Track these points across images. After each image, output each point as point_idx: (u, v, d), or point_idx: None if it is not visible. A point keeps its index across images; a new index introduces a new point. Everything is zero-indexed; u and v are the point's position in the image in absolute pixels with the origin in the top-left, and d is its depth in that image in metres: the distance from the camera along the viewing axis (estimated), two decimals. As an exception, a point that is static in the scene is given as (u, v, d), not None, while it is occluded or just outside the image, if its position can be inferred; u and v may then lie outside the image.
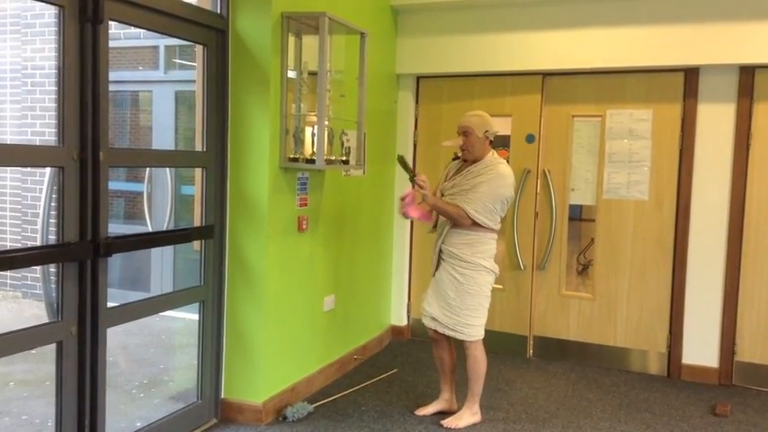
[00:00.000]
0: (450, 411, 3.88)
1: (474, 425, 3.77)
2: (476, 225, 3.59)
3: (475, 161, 3.66)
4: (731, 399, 4.27)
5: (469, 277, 3.63)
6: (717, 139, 4.47)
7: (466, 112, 3.74)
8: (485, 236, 3.64)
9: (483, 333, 3.71)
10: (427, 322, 3.78)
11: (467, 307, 3.64)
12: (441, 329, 3.71)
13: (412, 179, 3.59)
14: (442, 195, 3.73)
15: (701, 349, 4.59)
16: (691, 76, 4.52)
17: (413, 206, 3.73)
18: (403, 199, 3.70)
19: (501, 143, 5.78)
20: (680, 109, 4.57)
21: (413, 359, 4.89)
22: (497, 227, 3.67)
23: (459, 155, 3.76)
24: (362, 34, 4.01)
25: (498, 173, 3.59)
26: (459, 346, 3.78)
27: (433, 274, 3.78)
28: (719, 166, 4.48)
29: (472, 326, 3.65)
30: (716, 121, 4.47)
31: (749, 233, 4.45)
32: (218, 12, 3.53)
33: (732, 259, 4.48)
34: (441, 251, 3.71)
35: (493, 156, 3.67)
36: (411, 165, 3.53)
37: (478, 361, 3.70)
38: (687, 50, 4.38)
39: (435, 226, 3.80)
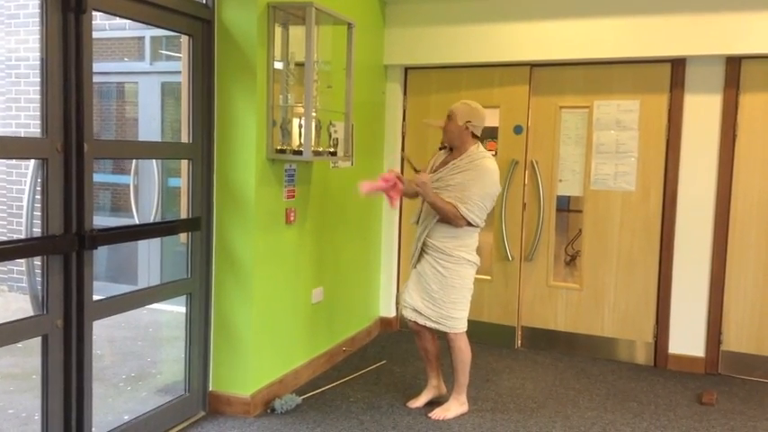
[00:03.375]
0: (440, 397, 3.90)
1: (462, 415, 3.78)
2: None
3: (459, 152, 3.65)
4: (717, 388, 4.30)
5: (453, 271, 3.63)
6: (703, 129, 4.49)
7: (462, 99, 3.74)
8: (469, 229, 3.64)
9: (466, 325, 3.71)
10: (408, 314, 3.77)
11: (451, 300, 3.64)
12: (423, 321, 3.71)
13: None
14: None
15: (687, 339, 4.62)
16: (677, 66, 4.54)
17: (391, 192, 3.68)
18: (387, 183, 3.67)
19: (489, 134, 5.79)
20: (666, 100, 4.58)
21: (401, 350, 4.90)
22: (484, 223, 3.67)
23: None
24: (350, 25, 3.99)
25: (486, 169, 3.57)
26: (441, 336, 3.78)
27: (414, 266, 3.78)
28: (706, 157, 4.49)
29: (455, 318, 3.66)
30: (702, 112, 4.48)
31: (735, 223, 4.48)
32: (204, 2, 3.50)
33: (718, 249, 4.50)
34: (424, 244, 3.70)
35: (478, 149, 3.64)
36: (412, 162, 3.60)
37: (463, 352, 3.71)
38: (674, 41, 4.39)
39: (418, 220, 3.78)
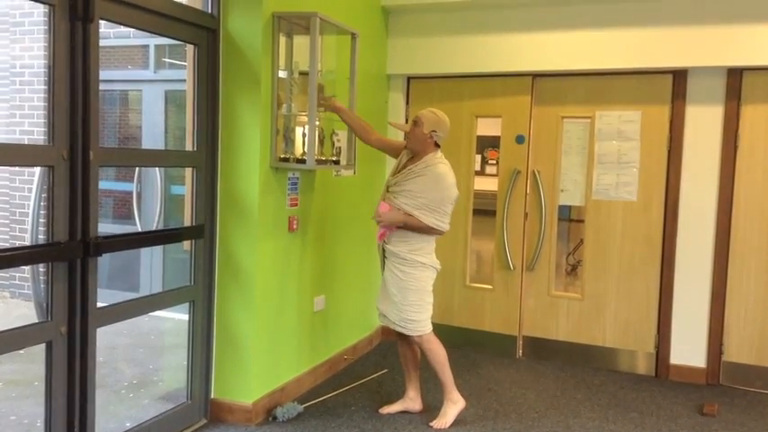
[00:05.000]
0: (413, 411, 3.92)
1: (462, 416, 3.80)
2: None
3: (417, 157, 3.68)
4: (718, 398, 4.30)
5: (409, 274, 3.67)
6: (705, 140, 4.51)
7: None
8: (421, 234, 3.67)
9: (430, 327, 3.75)
10: (381, 320, 3.89)
11: (408, 303, 3.69)
12: (392, 326, 3.80)
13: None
14: (387, 189, 3.74)
15: (688, 349, 4.62)
16: (679, 77, 4.56)
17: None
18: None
19: (491, 144, 5.81)
20: (668, 111, 4.60)
21: (400, 359, 4.89)
22: (448, 228, 3.70)
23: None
24: (353, 34, 4.02)
25: (439, 174, 3.60)
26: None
27: (382, 273, 3.82)
28: (707, 168, 4.51)
29: (415, 321, 3.70)
30: (704, 123, 4.50)
31: (736, 234, 4.48)
32: (209, 11, 3.53)
33: (719, 260, 4.51)
34: (384, 250, 3.75)
35: (435, 155, 3.66)
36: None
37: (435, 353, 3.75)
38: (675, 53, 4.41)
39: (383, 239, 3.79)
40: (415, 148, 3.69)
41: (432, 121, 3.63)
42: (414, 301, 3.69)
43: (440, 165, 3.63)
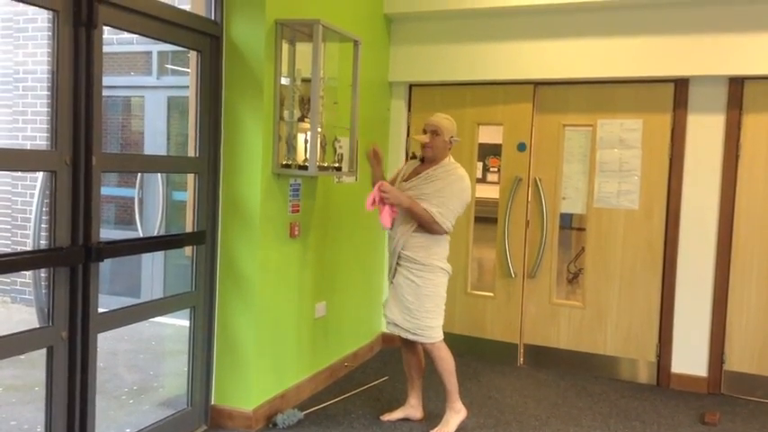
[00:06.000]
0: (414, 419, 3.91)
1: (463, 424, 3.78)
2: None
3: (433, 163, 3.69)
4: (720, 408, 4.29)
5: (427, 279, 3.66)
6: (706, 149, 4.51)
7: (436, 113, 3.77)
8: (440, 238, 3.68)
9: (442, 334, 3.73)
10: (390, 329, 3.83)
11: (425, 309, 3.66)
12: (404, 335, 3.74)
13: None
14: None
15: (690, 358, 4.61)
16: (681, 86, 4.56)
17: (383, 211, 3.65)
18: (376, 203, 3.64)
19: (492, 152, 5.83)
20: (670, 119, 4.61)
21: (403, 367, 4.88)
22: (451, 230, 3.70)
23: (420, 153, 3.77)
24: (356, 42, 4.03)
25: (459, 176, 3.65)
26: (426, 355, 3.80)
27: (391, 281, 3.80)
28: (709, 176, 4.51)
29: (431, 327, 3.68)
30: (705, 132, 4.51)
31: (738, 242, 4.48)
32: (213, 18, 3.54)
33: (721, 268, 4.51)
34: (398, 256, 3.72)
35: (450, 160, 3.72)
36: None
37: (445, 360, 3.72)
38: (677, 61, 4.42)
39: (392, 225, 3.73)
40: (437, 157, 3.70)
41: (450, 129, 3.69)
42: (430, 307, 3.67)
43: (459, 168, 3.68)
